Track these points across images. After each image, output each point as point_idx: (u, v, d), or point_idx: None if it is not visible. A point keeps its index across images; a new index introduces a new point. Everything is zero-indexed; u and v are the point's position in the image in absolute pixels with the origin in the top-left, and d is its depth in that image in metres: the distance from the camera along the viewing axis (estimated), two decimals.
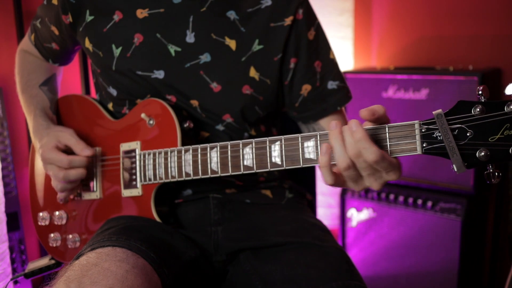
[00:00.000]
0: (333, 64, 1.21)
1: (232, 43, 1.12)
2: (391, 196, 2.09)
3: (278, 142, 0.92)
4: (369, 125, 0.83)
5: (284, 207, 1.21)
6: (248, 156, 0.95)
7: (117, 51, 1.13)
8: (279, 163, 0.92)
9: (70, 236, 1.20)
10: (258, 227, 1.13)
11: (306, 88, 1.18)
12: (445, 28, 2.26)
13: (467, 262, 1.96)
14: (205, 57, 1.11)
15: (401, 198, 2.07)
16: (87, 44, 1.16)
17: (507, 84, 2.08)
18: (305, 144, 0.88)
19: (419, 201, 2.03)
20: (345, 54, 2.52)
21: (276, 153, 0.92)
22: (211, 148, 1.00)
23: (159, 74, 1.12)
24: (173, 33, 1.11)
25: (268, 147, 0.93)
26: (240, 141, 0.96)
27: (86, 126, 1.23)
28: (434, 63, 2.23)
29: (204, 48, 1.11)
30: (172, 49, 1.11)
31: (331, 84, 1.19)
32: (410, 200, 2.05)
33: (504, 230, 2.11)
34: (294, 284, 0.97)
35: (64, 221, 1.22)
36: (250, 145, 0.95)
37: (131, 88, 1.15)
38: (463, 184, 1.94)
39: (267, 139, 0.93)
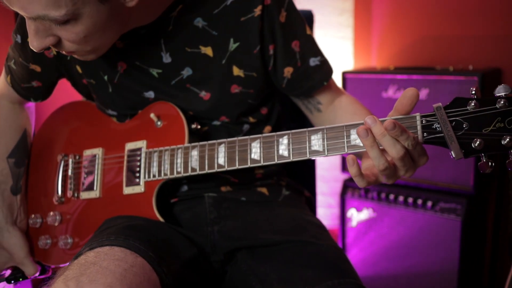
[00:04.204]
0: (311, 40, 1.19)
1: (208, 50, 1.10)
2: (391, 196, 2.09)
3: (286, 136, 0.95)
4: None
5: (280, 204, 1.22)
6: (255, 150, 0.98)
7: (105, 77, 1.15)
8: (286, 155, 0.95)
9: (63, 236, 1.19)
10: (254, 225, 1.14)
11: (288, 71, 1.16)
12: (445, 28, 2.26)
13: (467, 262, 1.96)
14: (187, 72, 1.12)
15: (401, 198, 2.07)
16: (80, 70, 1.17)
17: (507, 84, 2.07)
18: (312, 137, 0.92)
19: (419, 201, 2.02)
20: (345, 54, 2.52)
21: (283, 146, 0.95)
22: (219, 144, 1.02)
23: (150, 95, 1.15)
24: (150, 58, 1.11)
25: (276, 141, 0.96)
26: (248, 137, 0.99)
27: (90, 127, 1.23)
28: (434, 63, 2.23)
29: (183, 64, 1.11)
30: (154, 71, 1.12)
31: (313, 61, 1.18)
32: (410, 200, 2.05)
33: (504, 230, 2.11)
34: (290, 284, 0.97)
35: (57, 223, 1.21)
36: (258, 140, 0.98)
37: (130, 106, 1.18)
38: (463, 184, 1.94)
39: (275, 134, 0.96)
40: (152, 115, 1.12)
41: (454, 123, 0.82)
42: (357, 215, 2.21)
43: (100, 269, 0.84)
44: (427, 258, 2.02)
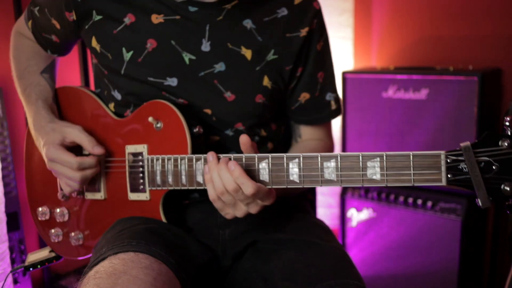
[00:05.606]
0: (333, 75, 1.24)
1: (248, 53, 1.10)
2: (391, 196, 2.09)
3: (296, 160, 0.91)
4: (250, 152, 0.94)
5: (287, 206, 1.22)
6: (264, 172, 0.93)
7: (127, 55, 1.09)
8: (297, 181, 0.91)
9: (73, 234, 1.19)
10: (260, 225, 1.14)
11: (304, 96, 1.19)
12: (445, 28, 2.26)
13: (467, 262, 1.96)
14: (220, 66, 1.09)
15: (401, 198, 2.07)
16: (94, 43, 1.12)
17: (507, 84, 2.08)
18: (325, 165, 0.88)
19: (419, 201, 2.02)
20: (345, 54, 2.52)
21: (294, 171, 0.91)
22: None
23: (172, 82, 1.09)
24: (189, 41, 1.08)
25: (285, 163, 0.91)
26: (256, 155, 0.94)
27: (87, 123, 1.18)
28: (434, 63, 2.23)
29: (219, 57, 1.09)
30: (187, 57, 1.09)
31: (329, 96, 1.22)
32: (410, 200, 2.05)
33: (504, 230, 2.11)
34: (293, 282, 0.97)
35: (66, 218, 1.20)
36: (266, 160, 0.93)
37: (139, 94, 1.11)
38: None
39: (284, 155, 0.92)
40: (150, 119, 1.07)
41: (483, 164, 0.74)
42: (357, 215, 2.21)
43: (131, 278, 0.84)
44: (427, 258, 2.02)
